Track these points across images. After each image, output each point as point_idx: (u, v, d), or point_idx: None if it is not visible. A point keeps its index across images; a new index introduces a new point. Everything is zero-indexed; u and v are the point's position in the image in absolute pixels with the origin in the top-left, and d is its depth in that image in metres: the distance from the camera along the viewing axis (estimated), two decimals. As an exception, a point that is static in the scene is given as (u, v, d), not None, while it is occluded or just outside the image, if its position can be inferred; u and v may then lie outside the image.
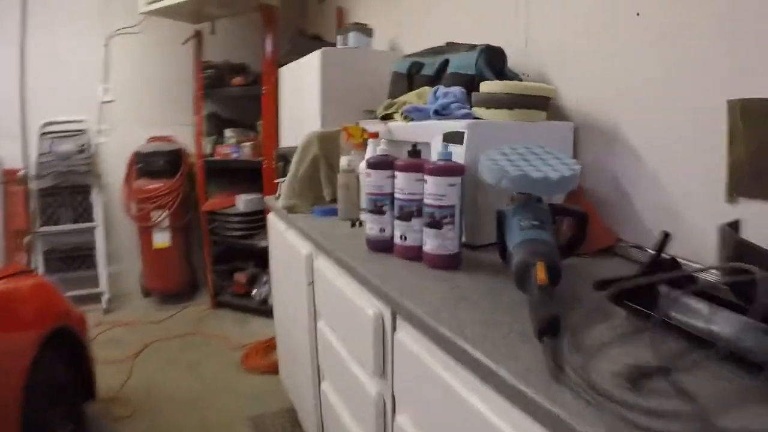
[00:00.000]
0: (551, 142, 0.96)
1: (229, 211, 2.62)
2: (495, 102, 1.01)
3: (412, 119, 1.15)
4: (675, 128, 0.92)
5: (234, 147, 2.60)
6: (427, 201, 0.85)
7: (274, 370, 1.84)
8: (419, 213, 0.89)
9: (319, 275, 1.16)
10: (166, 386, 1.92)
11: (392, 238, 0.95)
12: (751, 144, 0.79)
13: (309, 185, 1.38)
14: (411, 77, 1.40)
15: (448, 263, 0.87)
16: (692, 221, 0.90)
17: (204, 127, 2.67)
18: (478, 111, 1.05)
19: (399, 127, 1.20)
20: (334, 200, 1.35)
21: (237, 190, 2.64)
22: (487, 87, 1.04)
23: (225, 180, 2.75)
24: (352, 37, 1.86)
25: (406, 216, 0.90)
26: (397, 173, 0.90)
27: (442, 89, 1.13)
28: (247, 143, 2.57)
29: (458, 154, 0.94)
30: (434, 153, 0.91)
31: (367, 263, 0.91)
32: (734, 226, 0.74)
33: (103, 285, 2.69)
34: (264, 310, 2.46)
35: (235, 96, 2.70)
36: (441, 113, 1.05)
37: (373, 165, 0.97)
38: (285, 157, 1.64)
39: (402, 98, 1.30)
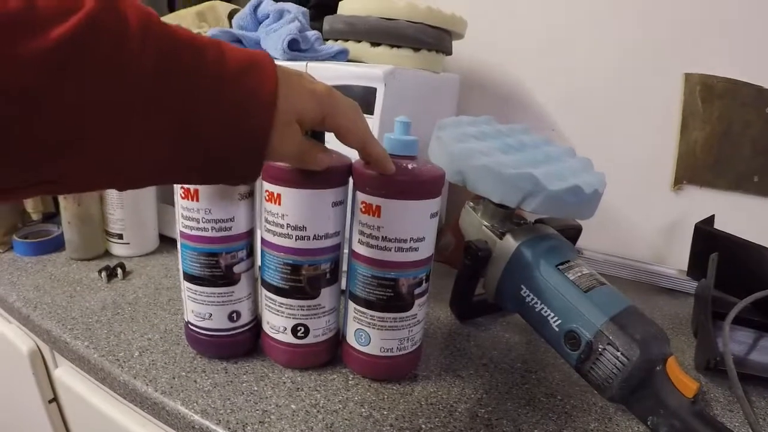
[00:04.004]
0: (438, 103, 0.65)
1: None
2: (392, 35, 0.57)
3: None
4: (601, 91, 0.71)
5: None
6: (366, 252, 0.37)
7: None
8: (334, 275, 0.40)
9: (72, 396, 0.50)
10: None
11: (253, 326, 0.43)
12: (712, 127, 0.65)
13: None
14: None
15: (409, 367, 0.43)
16: (619, 212, 0.74)
17: None
18: (351, 48, 0.58)
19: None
20: (48, 216, 0.64)
21: None
22: (377, 6, 0.57)
23: None
24: None
25: (312, 285, 0.39)
26: (278, 188, 0.37)
27: (269, 3, 0.60)
28: None
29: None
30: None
31: (216, 398, 0.36)
32: (710, 222, 0.63)
33: None
34: None
35: None
36: (299, 48, 0.53)
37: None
38: None
39: (169, 19, 0.67)
